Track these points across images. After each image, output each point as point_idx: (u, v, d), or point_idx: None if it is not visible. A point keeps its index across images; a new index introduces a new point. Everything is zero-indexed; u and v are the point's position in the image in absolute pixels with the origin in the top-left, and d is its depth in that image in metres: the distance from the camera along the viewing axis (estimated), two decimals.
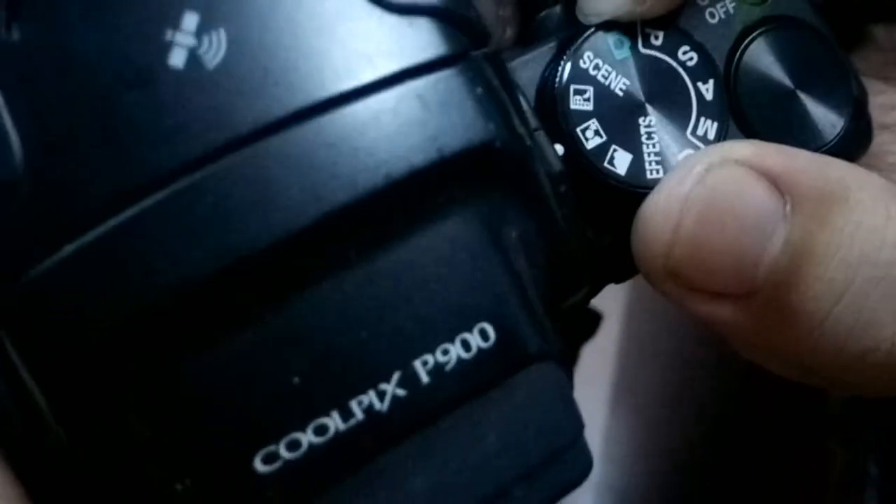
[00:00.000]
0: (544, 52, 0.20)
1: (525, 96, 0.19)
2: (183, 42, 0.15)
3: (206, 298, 0.15)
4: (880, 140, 0.22)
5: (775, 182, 0.18)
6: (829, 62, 0.21)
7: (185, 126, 0.15)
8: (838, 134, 0.21)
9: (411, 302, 0.16)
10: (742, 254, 0.18)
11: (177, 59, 0.15)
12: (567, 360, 0.17)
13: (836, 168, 0.19)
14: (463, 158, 0.16)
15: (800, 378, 0.20)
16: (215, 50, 0.15)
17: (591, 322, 0.37)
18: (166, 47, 0.15)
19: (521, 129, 0.17)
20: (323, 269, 0.15)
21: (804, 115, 0.21)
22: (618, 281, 0.22)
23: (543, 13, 0.21)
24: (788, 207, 0.18)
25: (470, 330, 0.16)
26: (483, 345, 0.16)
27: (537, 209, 0.18)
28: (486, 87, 0.17)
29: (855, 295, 0.18)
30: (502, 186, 0.17)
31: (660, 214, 0.18)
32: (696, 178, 0.18)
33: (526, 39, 0.22)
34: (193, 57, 0.15)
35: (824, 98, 0.21)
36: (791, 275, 0.18)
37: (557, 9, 0.21)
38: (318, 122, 0.15)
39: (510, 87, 0.18)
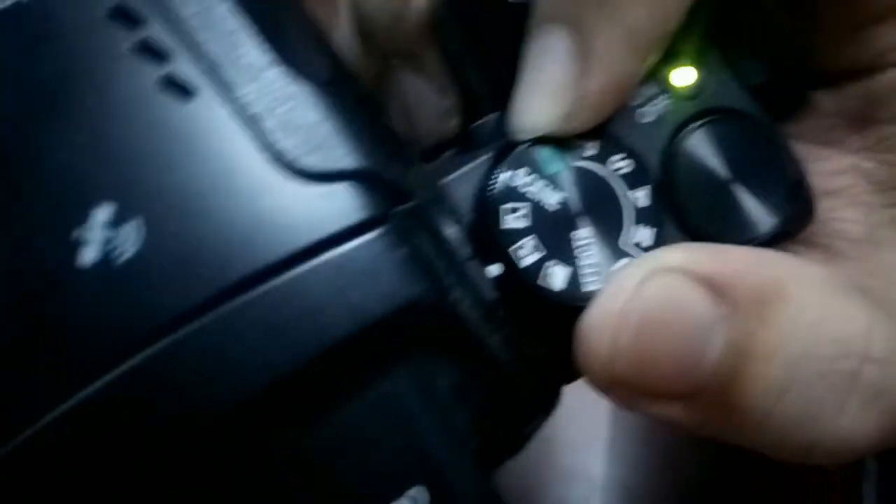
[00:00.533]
0: (479, 164, 0.20)
1: (457, 215, 0.19)
2: (94, 238, 0.15)
3: (149, 475, 0.15)
4: (826, 206, 0.22)
5: (710, 285, 0.18)
6: (764, 150, 0.21)
7: (97, 329, 0.15)
8: (776, 223, 0.21)
9: (341, 476, 0.16)
10: (682, 360, 0.18)
11: (87, 258, 0.15)
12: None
13: (771, 264, 0.19)
14: (386, 324, 0.16)
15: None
16: (131, 243, 0.15)
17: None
18: (75, 246, 0.15)
19: (448, 281, 0.17)
20: (244, 455, 0.16)
21: (741, 207, 0.21)
22: (568, 382, 0.22)
23: (478, 123, 0.21)
24: (725, 310, 0.18)
25: (403, 494, 0.16)
26: None
27: (469, 354, 0.18)
28: (409, 246, 0.17)
29: (798, 391, 0.18)
30: (430, 342, 0.17)
31: (596, 331, 0.18)
32: (629, 292, 0.18)
33: (462, 146, 0.22)
34: (105, 255, 0.15)
35: (760, 188, 0.21)
36: (734, 374, 0.18)
37: (493, 118, 0.21)
38: (234, 306, 0.15)
39: (434, 231, 0.18)
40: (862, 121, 0.22)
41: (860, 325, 0.18)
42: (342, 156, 0.16)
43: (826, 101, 0.22)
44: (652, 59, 0.20)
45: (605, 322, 0.18)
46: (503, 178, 0.20)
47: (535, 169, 0.20)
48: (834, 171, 0.22)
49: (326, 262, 0.16)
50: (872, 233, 0.22)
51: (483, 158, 0.20)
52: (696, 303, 0.18)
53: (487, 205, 0.19)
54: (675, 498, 0.53)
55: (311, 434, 0.16)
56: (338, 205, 0.16)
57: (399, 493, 0.16)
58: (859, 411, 0.18)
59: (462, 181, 0.20)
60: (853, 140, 0.22)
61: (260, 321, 0.15)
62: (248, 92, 0.16)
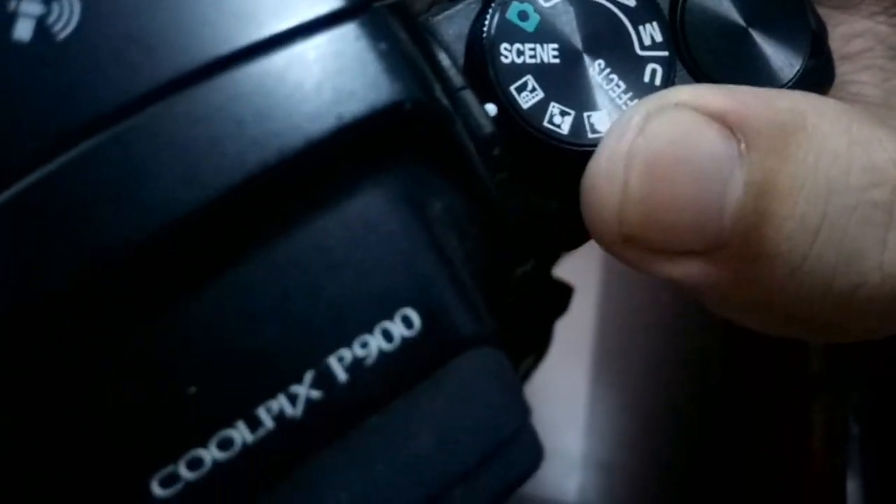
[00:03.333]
0: (471, 3, 0.18)
1: (450, 53, 0.17)
2: (28, 11, 0.13)
3: (81, 304, 0.13)
4: (842, 70, 0.21)
5: (723, 121, 0.16)
6: None
7: (36, 107, 0.13)
8: (796, 73, 0.19)
9: (321, 291, 0.14)
10: (700, 204, 0.16)
11: (22, 31, 0.13)
12: (509, 341, 0.16)
13: (787, 98, 0.17)
14: (368, 124, 0.14)
15: (781, 331, 0.19)
16: (67, 16, 0.13)
17: (563, 296, 0.36)
18: (10, 18, 0.13)
19: (437, 88, 0.15)
20: (215, 262, 0.14)
21: (758, 55, 0.19)
22: (569, 248, 0.20)
23: None
24: (743, 146, 0.16)
25: (391, 317, 0.14)
26: (407, 333, 0.14)
27: (464, 177, 0.16)
28: (391, 42, 0.15)
29: (831, 228, 0.16)
30: (420, 154, 0.15)
31: (603, 176, 0.16)
32: (636, 129, 0.16)
33: None
34: (41, 28, 0.13)
35: (779, 35, 0.19)
36: (759, 217, 0.16)
37: None
38: (193, 94, 0.13)
39: (423, 41, 0.16)
40: None
41: (890, 150, 0.17)
42: None
43: None
44: None
45: (610, 166, 0.16)
46: (499, 11, 0.18)
47: (535, 2, 0.18)
48: (849, 35, 0.21)
49: (298, 54, 0.14)
50: (888, 98, 0.21)
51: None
52: (710, 138, 0.16)
53: (483, 42, 0.18)
54: (652, 473, 0.52)
55: (286, 243, 0.14)
56: None
57: (385, 315, 0.14)
58: None
59: (452, 21, 0.18)
60: (867, 3, 0.21)
61: (221, 113, 0.13)
62: None
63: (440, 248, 0.15)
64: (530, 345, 0.36)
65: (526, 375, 0.38)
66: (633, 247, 0.17)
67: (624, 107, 0.18)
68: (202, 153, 0.13)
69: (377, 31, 0.15)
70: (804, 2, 0.20)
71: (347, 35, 0.14)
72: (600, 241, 0.17)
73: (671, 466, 0.51)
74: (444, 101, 0.16)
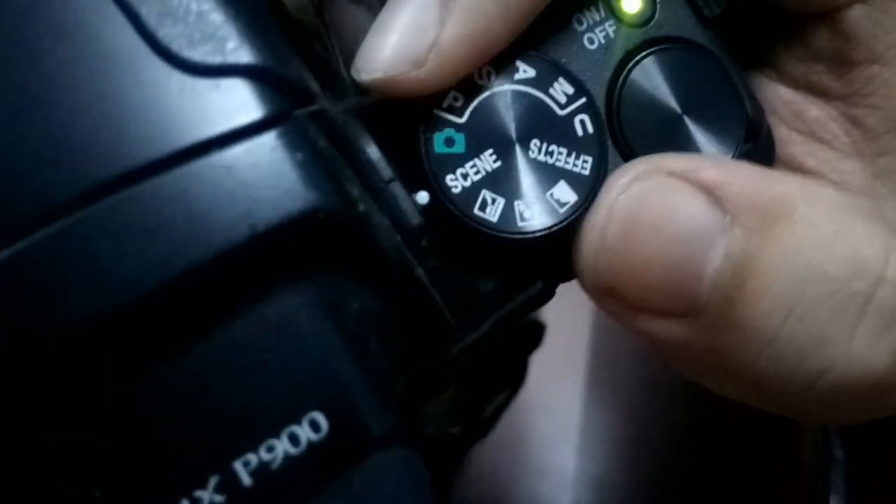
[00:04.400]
0: None
1: (383, 143, 0.18)
2: None
3: None
4: (822, 157, 0.21)
5: (712, 194, 0.17)
6: (718, 83, 0.19)
7: None
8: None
9: (229, 396, 0.14)
10: (677, 267, 0.17)
11: None
12: (422, 441, 0.16)
13: (781, 182, 0.18)
14: (281, 232, 0.15)
15: (753, 403, 0.19)
16: None
17: (534, 334, 0.36)
18: None
19: (354, 192, 0.16)
20: (123, 368, 0.14)
21: (692, 143, 0.19)
22: (510, 324, 0.20)
23: None
24: (728, 220, 0.17)
25: (298, 421, 0.15)
26: (314, 437, 0.15)
27: (382, 275, 0.16)
28: (308, 151, 0.15)
29: (805, 311, 0.17)
30: (336, 258, 0.16)
31: (588, 224, 0.18)
32: (622, 187, 0.17)
33: None
34: None
35: (713, 122, 0.19)
36: (735, 290, 0.17)
37: None
38: (104, 206, 0.14)
39: (345, 142, 0.16)
40: (841, 64, 0.21)
41: (877, 245, 0.17)
42: (233, 49, 0.15)
43: (800, 45, 0.21)
44: (524, 24, 0.18)
45: (595, 217, 0.17)
46: (434, 102, 0.18)
47: (469, 93, 0.18)
48: (824, 119, 0.21)
49: (213, 164, 0.14)
50: (871, 185, 0.21)
51: None
52: (694, 208, 0.17)
53: (416, 129, 0.18)
54: (646, 491, 0.52)
55: (196, 350, 0.14)
56: (228, 102, 0.15)
57: (293, 420, 0.15)
58: (872, 335, 0.17)
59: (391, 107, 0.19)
60: (838, 86, 0.21)
61: (135, 224, 0.14)
62: None
63: (355, 349, 0.15)
64: (503, 380, 0.37)
65: (501, 409, 0.38)
66: (611, 298, 0.18)
67: (550, 197, 0.18)
68: (111, 264, 0.14)
69: (294, 141, 0.15)
70: (740, 88, 0.20)
71: (264, 145, 0.15)
72: (584, 288, 0.18)
73: (664, 484, 0.51)
74: (361, 207, 0.16)
